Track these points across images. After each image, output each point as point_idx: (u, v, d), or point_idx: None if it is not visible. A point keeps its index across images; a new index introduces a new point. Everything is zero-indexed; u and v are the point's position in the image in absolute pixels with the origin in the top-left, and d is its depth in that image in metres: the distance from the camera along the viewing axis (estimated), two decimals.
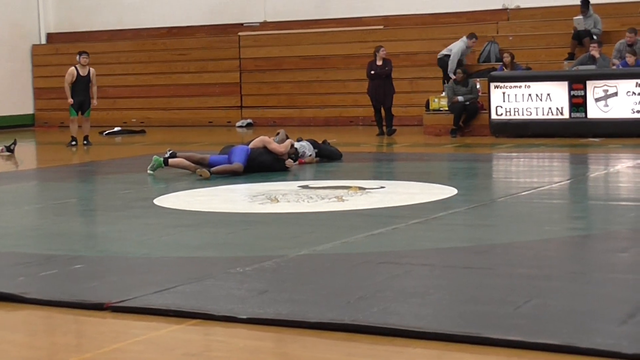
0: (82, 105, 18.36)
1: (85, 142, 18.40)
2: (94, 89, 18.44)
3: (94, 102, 18.49)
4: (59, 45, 25.80)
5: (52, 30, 26.46)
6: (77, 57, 18.51)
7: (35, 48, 26.15)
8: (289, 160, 12.56)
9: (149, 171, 12.31)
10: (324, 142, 13.95)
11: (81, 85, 18.33)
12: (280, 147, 12.46)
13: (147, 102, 24.63)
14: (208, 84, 24.15)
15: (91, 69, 18.44)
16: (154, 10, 25.20)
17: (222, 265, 6.39)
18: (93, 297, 5.53)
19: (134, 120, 24.32)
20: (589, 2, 19.33)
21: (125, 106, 24.74)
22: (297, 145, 13.06)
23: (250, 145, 12.41)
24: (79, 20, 26.06)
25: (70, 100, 18.35)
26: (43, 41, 26.36)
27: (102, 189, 11.88)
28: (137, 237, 7.78)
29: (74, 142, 18.34)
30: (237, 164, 11.99)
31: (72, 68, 18.44)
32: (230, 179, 11.65)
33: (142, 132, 22.34)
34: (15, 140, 17.33)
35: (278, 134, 13.40)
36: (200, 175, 11.66)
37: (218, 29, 24.54)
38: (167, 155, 12.38)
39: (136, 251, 7.10)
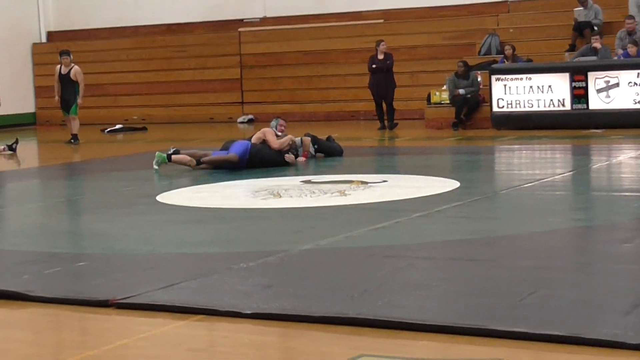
0: (67, 103, 18.12)
1: (72, 140, 18.08)
2: (81, 87, 18.05)
3: (79, 100, 18.09)
4: (60, 43, 25.73)
5: (52, 29, 26.43)
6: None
7: (35, 47, 26.12)
8: (288, 154, 12.54)
9: (154, 166, 12.40)
10: (329, 138, 13.88)
11: (63, 83, 18.08)
12: (275, 143, 12.45)
13: (148, 99, 24.59)
14: (209, 80, 24.10)
15: (75, 67, 18.09)
16: (153, 7, 25.17)
17: (226, 261, 6.40)
18: (98, 294, 5.54)
19: (135, 117, 24.31)
20: None
21: (126, 103, 24.70)
22: (297, 140, 12.99)
23: (252, 140, 12.45)
24: (79, 18, 26.02)
25: (56, 98, 18.22)
26: (43, 40, 26.34)
27: (104, 186, 11.87)
28: (141, 234, 7.79)
29: (72, 140, 18.30)
30: (232, 154, 12.09)
31: (57, 66, 18.27)
32: (232, 174, 11.65)
33: (144, 129, 22.32)
34: (17, 139, 17.31)
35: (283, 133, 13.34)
36: (189, 165, 12.20)
37: (218, 25, 24.49)
38: (170, 152, 12.43)
39: (140, 248, 7.10)
